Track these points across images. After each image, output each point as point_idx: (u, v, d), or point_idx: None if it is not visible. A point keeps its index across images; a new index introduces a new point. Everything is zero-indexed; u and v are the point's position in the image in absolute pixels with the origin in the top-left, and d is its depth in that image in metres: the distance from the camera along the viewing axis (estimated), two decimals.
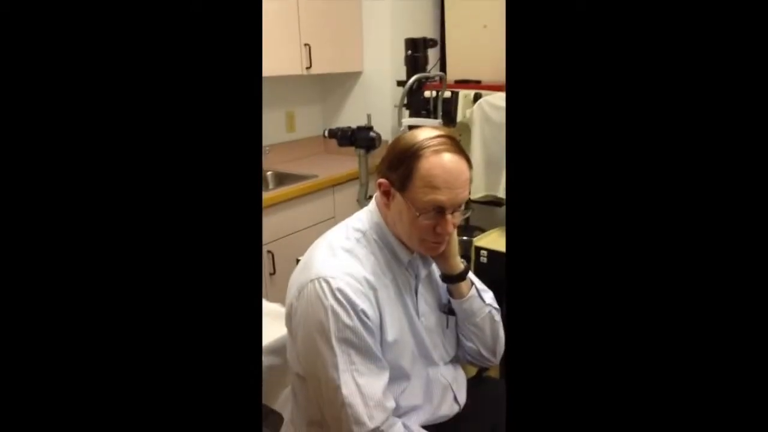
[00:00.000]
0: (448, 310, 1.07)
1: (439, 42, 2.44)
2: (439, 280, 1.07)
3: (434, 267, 1.06)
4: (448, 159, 0.87)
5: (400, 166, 0.89)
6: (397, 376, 0.96)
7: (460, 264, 1.03)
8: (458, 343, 1.10)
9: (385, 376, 0.90)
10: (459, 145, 0.91)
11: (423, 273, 1.03)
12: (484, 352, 1.09)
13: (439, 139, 0.89)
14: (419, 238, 0.92)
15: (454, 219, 0.91)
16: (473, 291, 1.05)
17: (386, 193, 0.94)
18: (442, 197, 0.87)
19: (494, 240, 1.87)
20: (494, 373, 1.75)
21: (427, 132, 0.91)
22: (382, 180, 0.93)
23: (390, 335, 0.93)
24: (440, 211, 0.88)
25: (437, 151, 0.87)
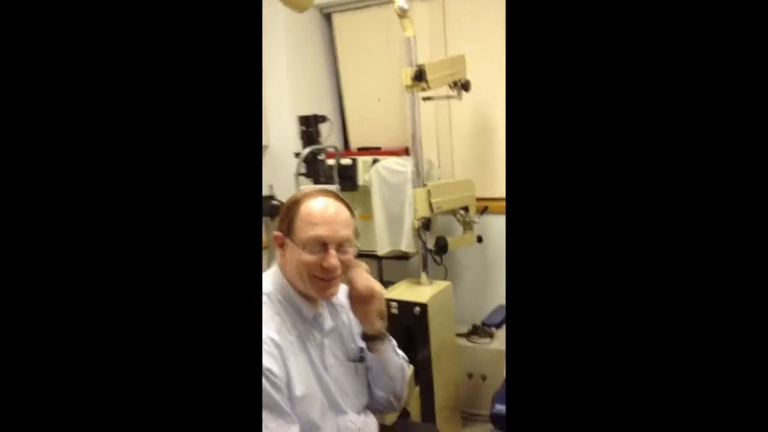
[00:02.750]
0: (358, 359, 1.14)
1: (339, 115, 2.65)
2: (344, 331, 1.14)
3: (342, 319, 1.14)
4: (323, 200, 1.02)
5: (286, 216, 1.02)
6: (308, 429, 1.00)
7: (382, 328, 1.13)
8: (368, 391, 1.17)
9: (294, 430, 0.95)
10: (338, 196, 1.05)
11: (328, 326, 1.10)
12: (392, 400, 1.18)
13: (317, 191, 1.04)
14: (309, 275, 1.00)
15: (342, 256, 1.01)
16: (388, 344, 1.15)
17: (281, 245, 1.04)
18: (321, 231, 0.99)
19: (403, 291, 1.98)
20: (415, 417, 1.81)
21: (310, 187, 1.05)
22: (276, 233, 1.04)
23: (298, 390, 0.98)
24: (323, 245, 0.99)
25: (314, 197, 1.02)
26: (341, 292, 1.18)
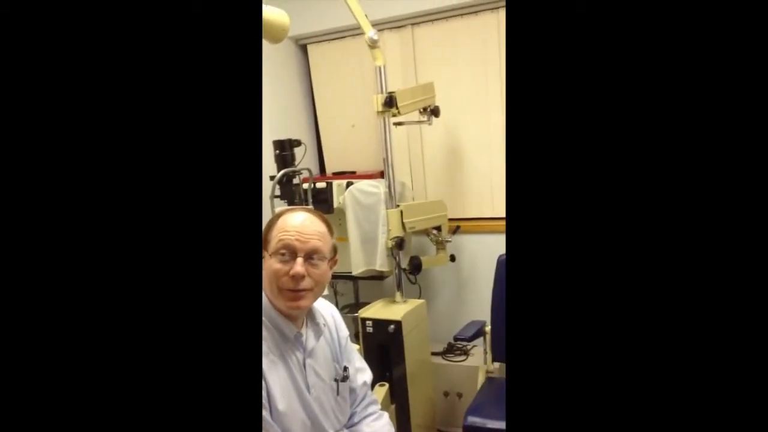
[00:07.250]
0: (341, 378, 1.16)
1: (315, 142, 2.72)
2: (328, 350, 1.16)
3: (326, 337, 1.16)
4: (301, 214, 1.06)
5: (266, 231, 1.05)
6: None
7: None
8: (348, 411, 1.20)
9: None
10: (320, 214, 1.09)
11: (311, 345, 1.12)
12: None
13: (298, 208, 1.09)
14: (278, 286, 1.01)
15: (312, 269, 1.02)
16: None
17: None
18: (290, 237, 1.00)
19: (377, 310, 2.02)
20: None
21: (289, 207, 1.10)
22: None
23: (280, 405, 1.01)
24: (292, 253, 1.00)
25: (293, 212, 1.06)
26: (324, 308, 1.20)
